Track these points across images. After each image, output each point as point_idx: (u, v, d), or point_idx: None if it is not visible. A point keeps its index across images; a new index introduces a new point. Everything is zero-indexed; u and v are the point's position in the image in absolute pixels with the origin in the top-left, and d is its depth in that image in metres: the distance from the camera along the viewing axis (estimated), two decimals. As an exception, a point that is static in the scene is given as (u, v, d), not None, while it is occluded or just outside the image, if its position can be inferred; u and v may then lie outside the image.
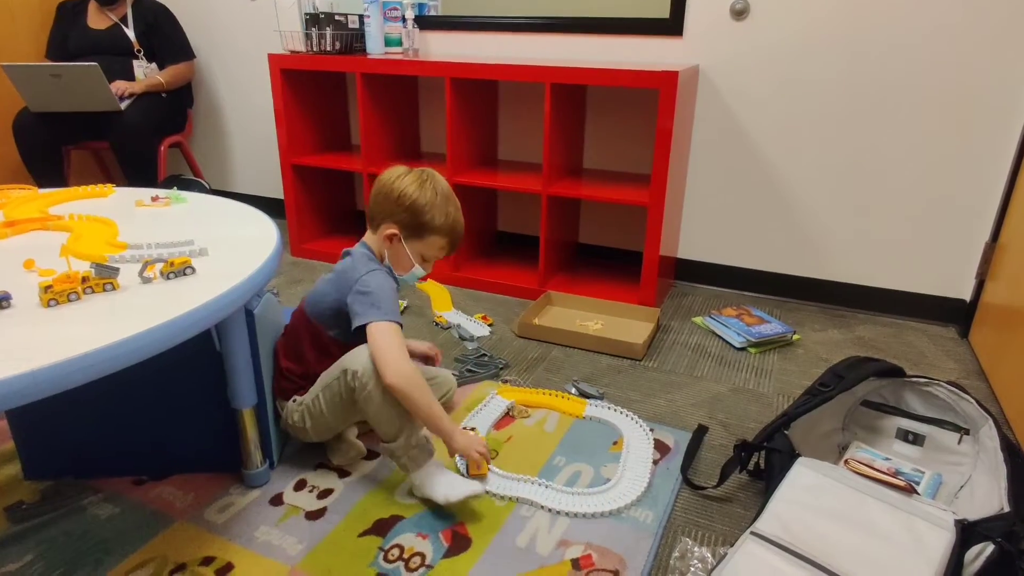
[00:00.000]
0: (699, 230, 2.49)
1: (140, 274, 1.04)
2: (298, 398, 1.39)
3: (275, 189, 3.10)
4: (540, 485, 1.39)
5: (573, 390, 1.76)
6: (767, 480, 1.35)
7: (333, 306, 1.36)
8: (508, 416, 1.65)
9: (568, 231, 2.59)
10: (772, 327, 2.09)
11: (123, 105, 2.63)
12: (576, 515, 1.32)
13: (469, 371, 1.84)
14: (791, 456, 1.31)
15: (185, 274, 1.07)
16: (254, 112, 3.10)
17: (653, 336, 2.06)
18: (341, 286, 1.34)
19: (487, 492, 1.37)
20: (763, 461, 1.42)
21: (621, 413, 1.65)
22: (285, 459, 1.45)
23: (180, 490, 1.36)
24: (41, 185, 2.68)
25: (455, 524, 1.28)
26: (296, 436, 1.43)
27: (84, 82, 2.48)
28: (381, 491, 1.37)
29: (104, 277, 0.99)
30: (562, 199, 2.38)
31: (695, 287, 2.53)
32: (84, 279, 0.97)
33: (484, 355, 1.93)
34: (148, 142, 2.71)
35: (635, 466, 1.46)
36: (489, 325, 2.14)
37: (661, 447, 1.54)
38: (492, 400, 1.69)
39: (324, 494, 1.36)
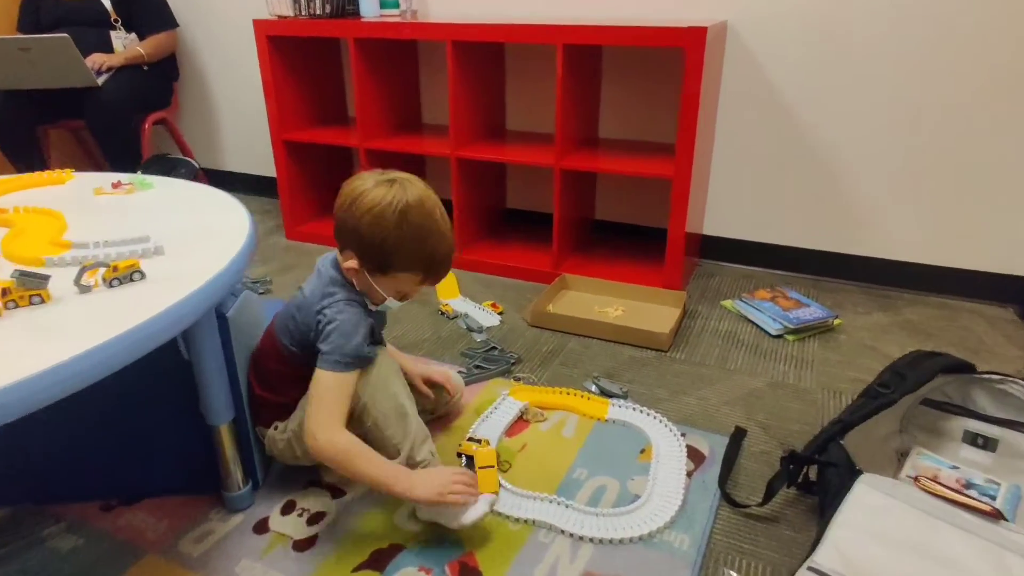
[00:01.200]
0: (727, 203, 2.28)
1: (77, 282, 0.87)
2: (280, 424, 1.22)
3: (268, 167, 2.91)
4: (559, 505, 1.22)
5: (593, 388, 1.59)
6: (821, 498, 1.17)
7: (300, 334, 1.16)
8: (522, 420, 1.48)
9: (583, 207, 2.39)
10: (811, 311, 1.89)
11: (101, 80, 2.44)
12: (602, 541, 1.15)
13: (478, 367, 1.67)
14: (850, 471, 1.13)
15: (132, 280, 0.89)
16: (244, 84, 2.90)
17: (680, 323, 1.87)
18: (304, 314, 1.15)
19: (499, 513, 1.21)
20: (814, 473, 1.24)
21: (648, 415, 1.48)
22: (272, 478, 1.29)
23: (153, 516, 1.21)
24: (19, 170, 2.51)
25: (463, 554, 1.12)
26: (284, 462, 1.26)
27: (56, 56, 2.29)
28: (379, 514, 1.21)
29: (30, 288, 0.82)
30: (577, 173, 2.17)
31: (722, 266, 2.33)
32: (4, 291, 0.80)
33: (494, 348, 1.76)
34: (128, 119, 2.52)
35: (667, 479, 1.29)
36: (499, 314, 1.96)
37: (695, 455, 1.37)
38: (504, 402, 1.52)
39: (315, 519, 1.20)
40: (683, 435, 1.41)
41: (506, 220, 2.63)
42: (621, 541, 1.15)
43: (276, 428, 1.22)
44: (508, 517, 1.20)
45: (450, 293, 2.08)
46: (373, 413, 1.13)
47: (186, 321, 0.85)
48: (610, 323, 1.83)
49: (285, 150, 2.48)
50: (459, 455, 1.31)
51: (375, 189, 1.06)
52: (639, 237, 2.44)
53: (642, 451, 1.39)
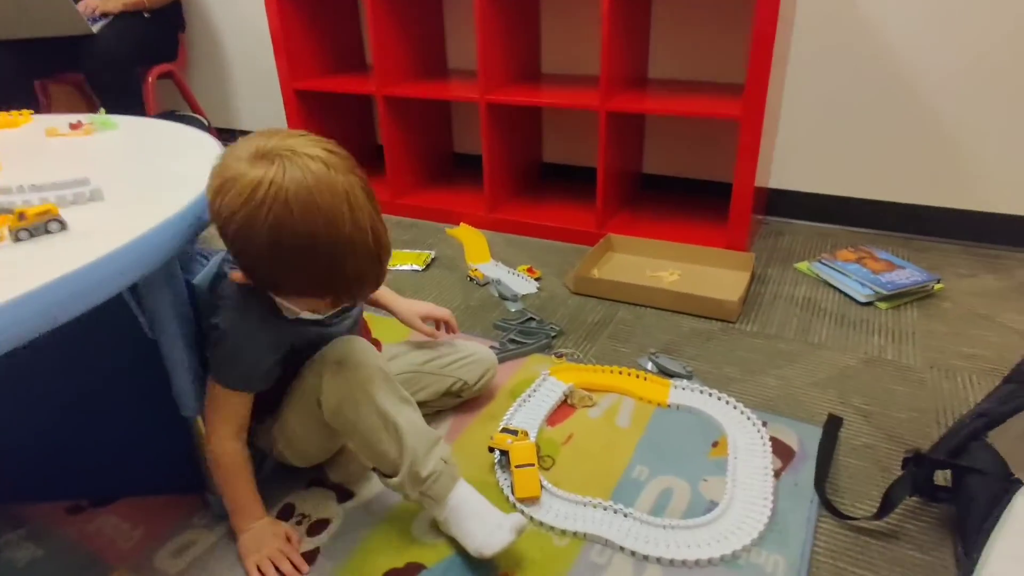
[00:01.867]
0: (798, 151, 1.97)
1: (-25, 233, 0.65)
2: (269, 420, 1.00)
3: (283, 124, 2.68)
4: (617, 513, 0.98)
5: (650, 366, 1.33)
6: (961, 512, 0.91)
7: None
8: (566, 405, 1.24)
9: (630, 159, 2.11)
10: (907, 274, 1.59)
11: (95, 27, 2.22)
12: (672, 562, 0.91)
13: (513, 341, 1.43)
14: (1004, 480, 0.86)
15: (48, 231, 0.66)
16: (256, 36, 2.66)
17: (748, 290, 1.60)
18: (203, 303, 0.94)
19: (540, 524, 0.97)
20: (945, 477, 0.97)
21: (719, 399, 1.22)
22: (267, 474, 1.08)
23: (127, 521, 1.01)
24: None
25: (496, 578, 0.89)
26: (275, 459, 1.05)
27: (45, 1, 2.07)
28: (394, 523, 0.99)
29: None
30: (624, 117, 1.89)
31: (792, 224, 2.03)
32: None
33: (531, 319, 1.51)
34: (129, 71, 2.31)
35: (749, 481, 1.04)
36: (536, 279, 1.71)
37: (781, 450, 1.11)
38: (544, 383, 1.28)
39: (317, 527, 0.99)
40: (764, 424, 1.15)
41: (543, 176, 2.36)
42: (697, 563, 0.91)
43: (261, 423, 1.00)
44: (552, 529, 0.97)
45: (480, 257, 1.84)
46: (353, 433, 0.91)
47: (106, 289, 0.61)
48: (667, 290, 1.56)
49: (297, 101, 2.24)
50: (491, 450, 1.08)
51: (248, 172, 0.72)
52: (694, 192, 2.14)
53: (714, 444, 1.13)
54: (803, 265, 1.74)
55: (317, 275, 0.77)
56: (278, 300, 0.85)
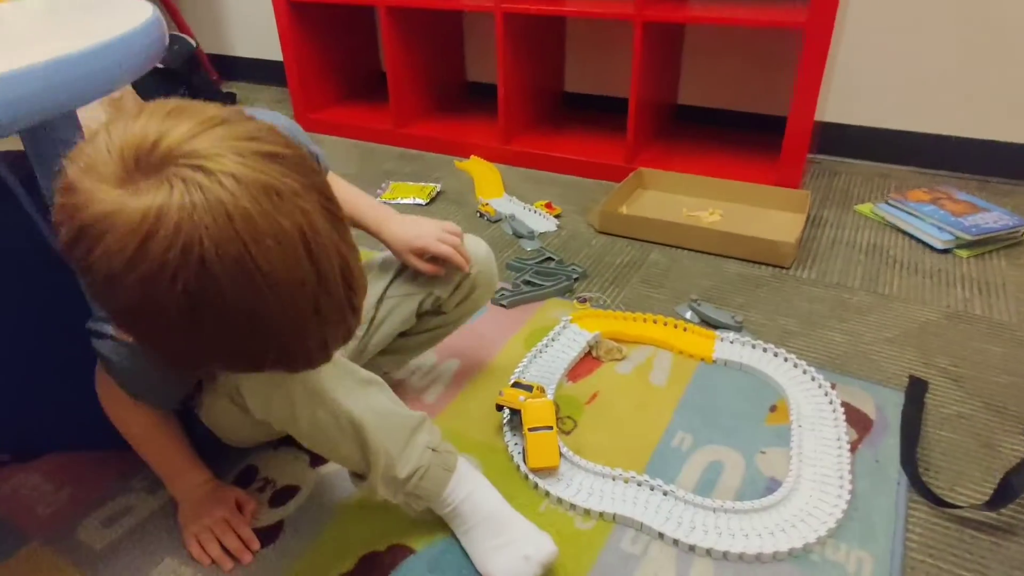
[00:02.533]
0: (858, 79, 1.71)
1: None
2: (206, 386, 0.77)
3: (277, 51, 2.44)
4: (654, 491, 0.78)
5: (689, 314, 1.12)
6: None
7: None
8: (590, 357, 1.04)
9: (665, 87, 1.85)
10: (995, 217, 1.36)
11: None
12: (727, 556, 0.71)
13: (528, 283, 1.22)
14: None
15: None
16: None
17: (803, 233, 1.37)
18: None
19: (559, 501, 0.78)
20: (1075, 459, 0.76)
21: (776, 355, 1.01)
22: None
23: (51, 482, 0.83)
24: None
25: (503, 569, 0.70)
26: (230, 443, 0.83)
27: None
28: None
29: None
30: (663, 31, 1.63)
31: (847, 163, 1.78)
32: None
33: (550, 259, 1.30)
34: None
35: (819, 455, 0.83)
36: (556, 216, 1.49)
37: (855, 418, 0.90)
38: (565, 331, 1.07)
39: (282, 496, 0.80)
40: (832, 387, 0.94)
41: (565, 106, 2.11)
42: (759, 557, 0.71)
43: (203, 391, 0.79)
44: (573, 508, 0.77)
45: (492, 191, 1.62)
46: (298, 436, 0.67)
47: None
48: (711, 229, 1.34)
49: (291, 15, 1.99)
50: (499, 408, 0.88)
51: (126, 205, 0.40)
52: (736, 126, 1.89)
53: (772, 409, 0.93)
54: (866, 207, 1.50)
55: (259, 351, 0.46)
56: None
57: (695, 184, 1.56)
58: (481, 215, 1.50)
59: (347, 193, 0.83)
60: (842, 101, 1.75)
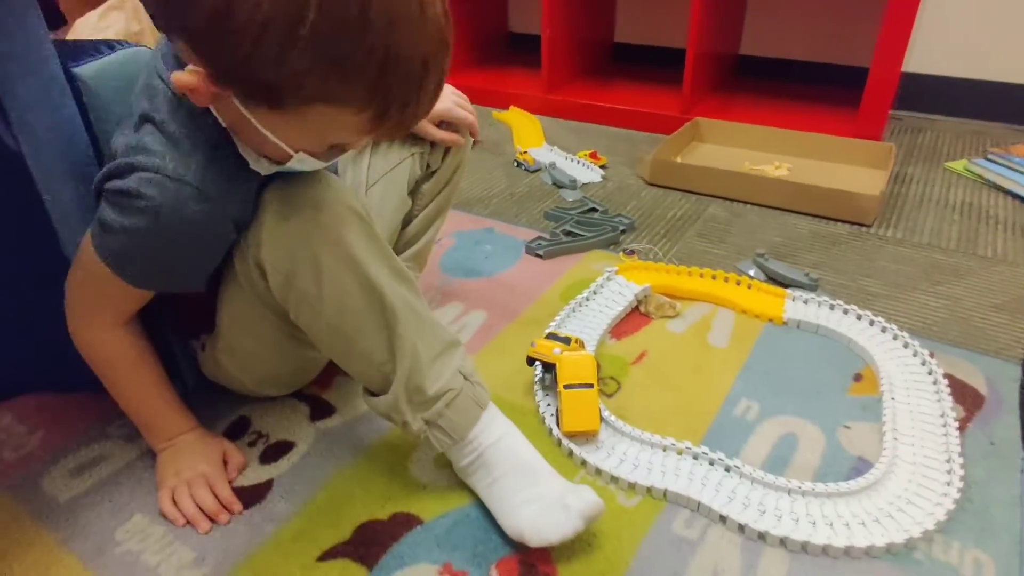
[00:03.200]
0: (946, 24, 1.51)
1: None
2: (205, 338, 0.69)
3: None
4: (714, 466, 0.65)
5: (753, 271, 0.97)
6: None
7: None
8: (638, 313, 0.90)
9: (727, 35, 1.68)
10: (1118, 174, 1.16)
11: None
12: (806, 547, 0.57)
13: (568, 233, 1.08)
14: None
15: None
16: None
17: (887, 189, 1.19)
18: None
19: (598, 472, 0.65)
20: None
21: (859, 317, 0.85)
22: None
23: (24, 424, 0.74)
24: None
25: (523, 551, 0.58)
26: (233, 389, 0.74)
27: None
28: (383, 454, 0.68)
29: None
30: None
31: (931, 120, 1.58)
32: None
33: (593, 209, 1.16)
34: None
35: (918, 433, 0.68)
36: (601, 167, 1.35)
37: (962, 392, 0.74)
38: (609, 283, 0.94)
39: (275, 452, 0.69)
40: (931, 355, 0.78)
41: (614, 57, 1.95)
42: (848, 552, 0.57)
43: (203, 344, 0.69)
44: (615, 481, 0.64)
45: (532, 141, 1.48)
46: (316, 318, 0.56)
47: None
48: (781, 180, 1.18)
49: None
50: (530, 362, 0.75)
51: None
52: (805, 78, 1.71)
53: (856, 378, 0.78)
54: (958, 164, 1.31)
55: (364, 56, 0.42)
56: (261, 130, 0.48)
57: (758, 136, 1.39)
58: (519, 164, 1.37)
59: None
60: (926, 49, 1.55)
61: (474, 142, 0.79)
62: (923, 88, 1.58)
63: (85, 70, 0.58)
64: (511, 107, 1.67)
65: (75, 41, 0.64)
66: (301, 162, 0.52)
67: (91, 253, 0.54)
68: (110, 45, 0.63)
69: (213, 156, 0.51)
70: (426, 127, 0.75)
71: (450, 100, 0.75)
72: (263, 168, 0.53)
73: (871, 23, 1.56)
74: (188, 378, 0.74)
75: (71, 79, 0.58)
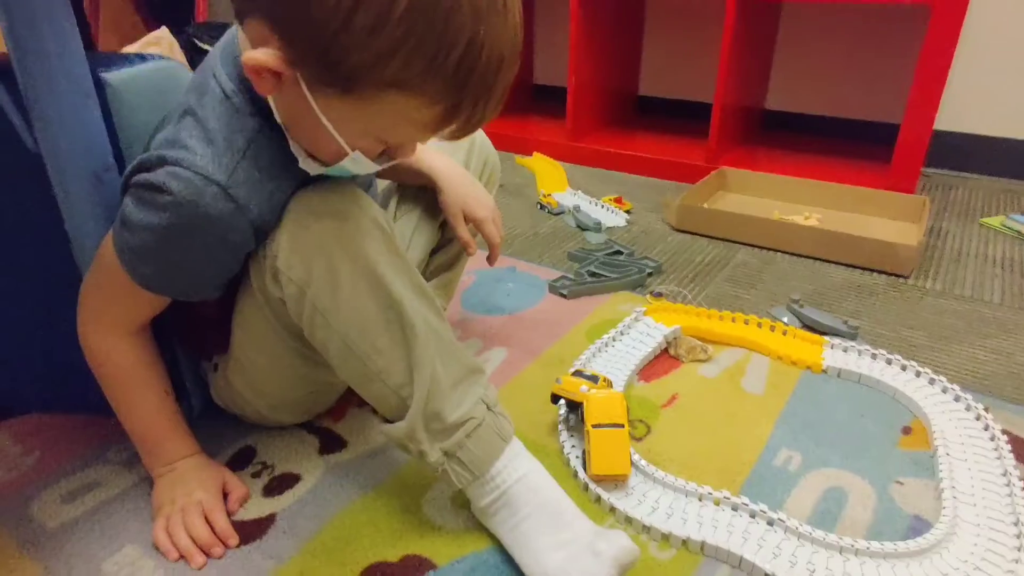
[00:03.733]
0: (977, 82, 1.50)
1: None
2: (219, 359, 0.66)
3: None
4: (756, 519, 0.59)
5: (787, 318, 0.93)
6: None
7: None
8: (667, 356, 0.86)
9: (753, 89, 1.69)
10: None
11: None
12: (862, 614, 0.51)
13: (592, 274, 1.05)
14: None
15: None
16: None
17: (924, 242, 1.16)
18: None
19: (628, 521, 0.60)
20: None
21: (904, 368, 0.80)
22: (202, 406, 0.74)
23: (20, 444, 0.70)
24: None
25: (551, 602, 0.52)
26: (247, 419, 0.70)
27: None
28: (396, 492, 0.64)
29: None
30: (755, 17, 1.47)
31: (963, 177, 1.56)
32: None
33: (619, 252, 1.13)
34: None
35: (978, 492, 0.62)
36: (626, 212, 1.33)
37: (1023, 449, 0.69)
38: (637, 324, 0.90)
39: (280, 484, 0.65)
40: (986, 410, 0.73)
41: (639, 110, 1.96)
42: (910, 622, 0.51)
43: (215, 365, 0.67)
44: (648, 531, 0.59)
45: (555, 186, 1.47)
46: (330, 334, 0.53)
47: None
48: (813, 228, 1.15)
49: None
50: (555, 399, 0.70)
51: None
52: (833, 133, 1.70)
53: (905, 431, 0.72)
54: (994, 220, 1.28)
55: (449, 43, 0.41)
56: (323, 121, 0.46)
57: (787, 186, 1.37)
58: (542, 207, 1.35)
59: None
60: (956, 107, 1.54)
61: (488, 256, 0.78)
62: (953, 146, 1.56)
63: (114, 76, 0.57)
64: (534, 153, 1.67)
65: (109, 52, 0.64)
66: (355, 163, 0.50)
67: (110, 252, 0.52)
68: (143, 57, 0.63)
69: (247, 159, 0.50)
70: (458, 218, 0.73)
71: (489, 211, 0.75)
72: (312, 168, 0.52)
73: (899, 80, 1.56)
74: (195, 402, 0.70)
75: (99, 85, 0.57)
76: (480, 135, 0.82)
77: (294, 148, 0.51)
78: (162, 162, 0.48)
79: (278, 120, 0.49)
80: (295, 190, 0.53)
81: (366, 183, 0.68)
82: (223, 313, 0.62)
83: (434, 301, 0.56)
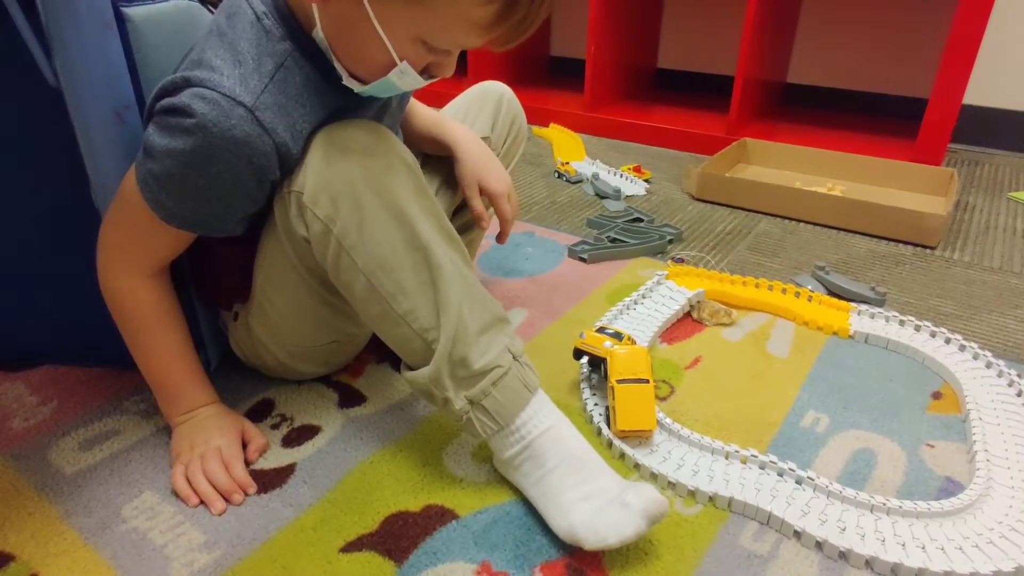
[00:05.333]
0: (1006, 59, 1.46)
1: None
2: (239, 308, 0.65)
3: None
4: (784, 477, 0.58)
5: (811, 286, 0.91)
6: None
7: None
8: (689, 320, 0.84)
9: (775, 64, 1.65)
10: None
11: None
12: (895, 570, 0.50)
13: (613, 240, 1.03)
14: None
15: None
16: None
17: (951, 214, 1.13)
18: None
19: (653, 476, 0.58)
20: None
21: (933, 335, 0.78)
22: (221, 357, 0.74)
23: (37, 394, 0.69)
24: None
25: (570, 553, 0.51)
26: (265, 372, 0.70)
27: None
28: (417, 445, 0.63)
29: None
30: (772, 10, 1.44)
31: (988, 154, 1.52)
32: None
33: (639, 219, 1.12)
34: None
35: (1012, 456, 0.61)
36: (646, 181, 1.31)
37: (1057, 416, 0.67)
38: (659, 287, 0.88)
39: (299, 436, 0.64)
40: (1019, 376, 0.71)
41: (657, 83, 1.93)
42: (944, 579, 0.49)
43: (235, 314, 0.65)
44: (673, 487, 0.57)
45: (572, 154, 1.45)
46: (354, 274, 0.52)
47: None
48: (837, 197, 1.12)
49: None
50: (577, 355, 0.69)
51: None
52: (855, 107, 1.67)
53: (935, 395, 0.71)
54: (1022, 195, 1.25)
55: None
56: (375, 24, 0.46)
57: (809, 158, 1.34)
58: (560, 175, 1.33)
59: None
60: (984, 80, 1.50)
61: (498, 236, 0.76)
62: (980, 121, 1.53)
63: (136, 12, 0.56)
64: (551, 124, 1.65)
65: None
66: (401, 76, 0.49)
67: (132, 187, 0.51)
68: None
69: (275, 83, 0.49)
70: (474, 189, 0.72)
71: (504, 187, 0.72)
72: (355, 86, 0.51)
73: (926, 52, 1.52)
74: (212, 355, 0.70)
75: (120, 20, 0.55)
76: (508, 93, 0.81)
77: (337, 66, 0.50)
78: (187, 83, 0.47)
79: (319, 37, 0.49)
80: (321, 123, 0.52)
81: (393, 127, 0.66)
82: (245, 260, 0.61)
83: (462, 247, 0.55)
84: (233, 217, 0.54)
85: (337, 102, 0.54)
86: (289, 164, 0.52)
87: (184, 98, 0.47)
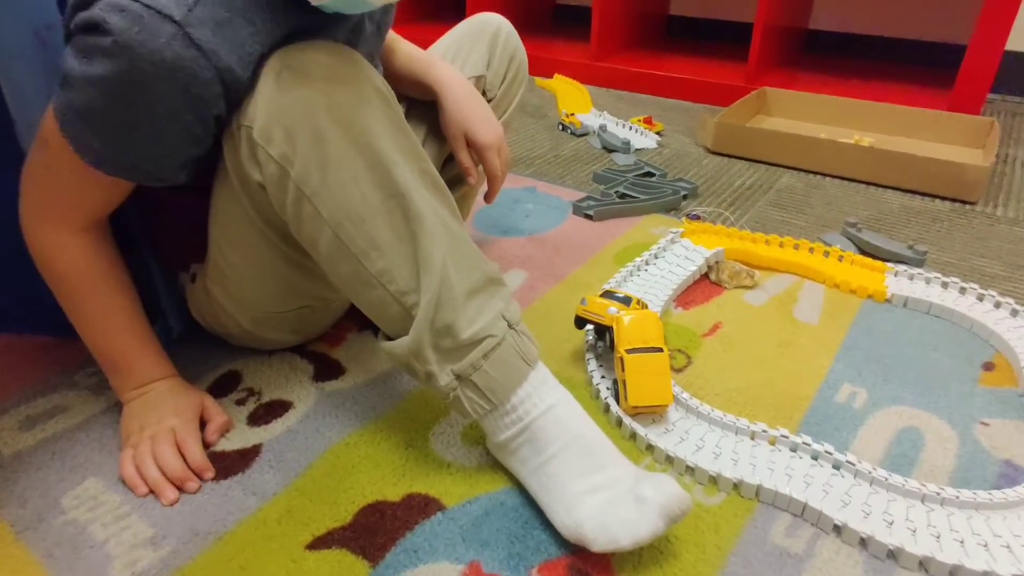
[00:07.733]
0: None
1: None
2: (196, 267, 0.57)
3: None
4: (819, 461, 0.50)
5: (841, 244, 0.82)
6: None
7: None
8: (707, 282, 0.76)
9: (797, 9, 1.53)
10: None
11: None
12: (953, 573, 0.43)
13: (621, 195, 0.94)
14: None
15: None
16: None
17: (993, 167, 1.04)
18: None
19: (669, 459, 0.51)
20: None
21: (983, 299, 0.70)
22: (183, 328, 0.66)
23: (-22, 366, 0.62)
24: None
25: (573, 551, 0.44)
26: (226, 338, 0.62)
27: None
28: (400, 424, 0.55)
29: None
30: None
31: (1028, 105, 1.42)
32: None
33: (650, 173, 1.02)
34: None
35: (1084, 435, 0.53)
36: (657, 133, 1.21)
37: None
38: (674, 246, 0.80)
39: (268, 413, 0.56)
40: (1080, 345, 0.63)
41: (669, 31, 1.81)
42: (1013, 583, 0.42)
43: (193, 276, 0.57)
44: (691, 473, 0.50)
45: (578, 106, 1.35)
46: (318, 224, 0.44)
47: None
48: (868, 148, 1.03)
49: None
50: (579, 323, 0.61)
51: None
52: (884, 55, 1.55)
53: (987, 366, 0.63)
54: (1068, 146, 1.15)
55: None
56: None
57: (835, 107, 1.24)
58: (564, 127, 1.23)
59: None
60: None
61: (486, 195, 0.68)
62: (1021, 69, 1.41)
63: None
64: (555, 75, 1.54)
65: None
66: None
67: (52, 124, 0.43)
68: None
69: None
70: (460, 140, 0.64)
71: (495, 138, 0.64)
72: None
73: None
74: (174, 323, 0.62)
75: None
76: (506, 26, 0.72)
77: None
78: None
79: None
80: (276, 45, 0.43)
81: (372, 59, 0.57)
82: (200, 213, 0.52)
83: (448, 195, 0.46)
84: (173, 161, 0.45)
85: (296, 21, 0.45)
86: (238, 95, 0.43)
87: (98, 10, 0.38)
